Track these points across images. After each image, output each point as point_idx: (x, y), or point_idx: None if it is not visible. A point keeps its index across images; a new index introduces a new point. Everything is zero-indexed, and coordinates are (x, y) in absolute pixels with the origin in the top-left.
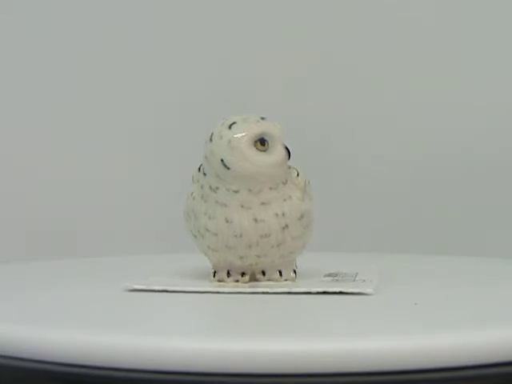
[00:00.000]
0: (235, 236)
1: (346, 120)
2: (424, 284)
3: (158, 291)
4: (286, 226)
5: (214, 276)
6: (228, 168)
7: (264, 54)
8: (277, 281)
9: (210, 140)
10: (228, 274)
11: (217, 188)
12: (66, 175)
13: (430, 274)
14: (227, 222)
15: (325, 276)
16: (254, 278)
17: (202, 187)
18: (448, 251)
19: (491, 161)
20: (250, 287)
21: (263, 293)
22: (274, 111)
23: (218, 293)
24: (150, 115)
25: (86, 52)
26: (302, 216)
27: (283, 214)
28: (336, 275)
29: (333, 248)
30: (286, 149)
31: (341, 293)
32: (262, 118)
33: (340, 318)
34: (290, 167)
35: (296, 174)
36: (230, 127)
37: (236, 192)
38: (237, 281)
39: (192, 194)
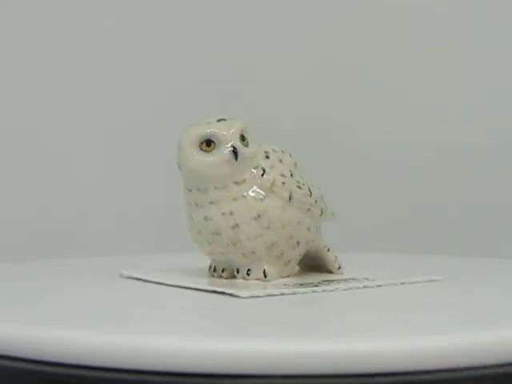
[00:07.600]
0: (197, 232)
1: (346, 120)
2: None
3: (145, 281)
4: (237, 225)
5: (209, 270)
6: (179, 168)
7: (265, 55)
8: (246, 279)
9: None
10: (214, 269)
11: (184, 188)
12: (66, 175)
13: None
14: (191, 219)
15: (320, 281)
16: (233, 275)
17: None
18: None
19: (492, 161)
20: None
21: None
22: (275, 111)
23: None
24: (150, 115)
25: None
26: (258, 216)
27: (231, 213)
28: (331, 281)
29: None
30: (234, 150)
31: (223, 293)
32: (219, 120)
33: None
34: (257, 166)
35: (261, 173)
36: (186, 130)
37: (190, 191)
38: (221, 276)
39: None
